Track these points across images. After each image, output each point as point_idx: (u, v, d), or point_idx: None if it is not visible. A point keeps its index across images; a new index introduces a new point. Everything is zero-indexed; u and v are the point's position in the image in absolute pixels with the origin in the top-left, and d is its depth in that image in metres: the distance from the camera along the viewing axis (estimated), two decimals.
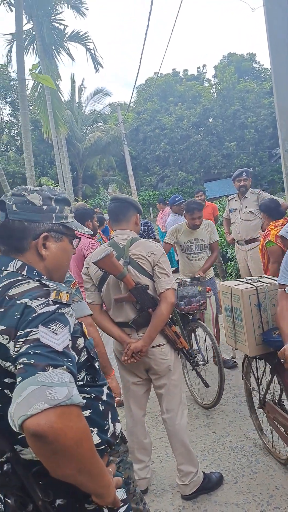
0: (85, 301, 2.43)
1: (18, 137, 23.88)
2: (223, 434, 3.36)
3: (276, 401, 2.82)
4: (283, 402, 2.82)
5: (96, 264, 2.37)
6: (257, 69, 30.68)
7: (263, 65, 30.45)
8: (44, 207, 1.27)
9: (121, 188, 25.60)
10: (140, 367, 2.59)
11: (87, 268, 2.55)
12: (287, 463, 2.82)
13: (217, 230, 8.45)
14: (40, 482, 1.09)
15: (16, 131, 24.01)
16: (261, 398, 2.92)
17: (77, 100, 23.56)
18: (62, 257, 1.33)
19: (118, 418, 1.35)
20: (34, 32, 13.32)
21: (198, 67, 31.53)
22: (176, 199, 6.66)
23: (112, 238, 2.59)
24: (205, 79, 30.73)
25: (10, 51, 13.56)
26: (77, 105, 23.61)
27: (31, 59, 13.78)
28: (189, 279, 3.97)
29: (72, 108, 22.45)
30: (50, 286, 1.14)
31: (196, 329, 3.97)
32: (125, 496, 1.32)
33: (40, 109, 14.06)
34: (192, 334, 3.95)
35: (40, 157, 20.64)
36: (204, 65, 32.62)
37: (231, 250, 7.80)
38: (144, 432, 2.74)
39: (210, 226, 4.45)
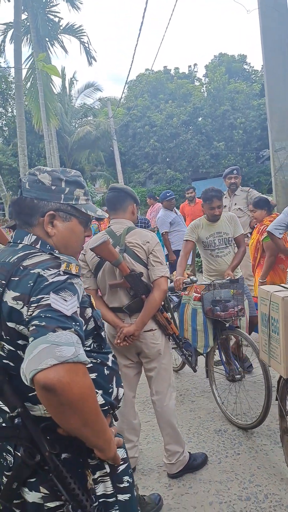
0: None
1: (6, 128, 23.71)
2: (208, 418, 3.51)
3: None
4: None
5: (93, 250, 2.47)
6: (247, 70, 30.91)
7: (253, 67, 30.70)
8: (53, 187, 1.37)
9: (109, 183, 25.57)
10: (132, 350, 2.71)
11: (84, 254, 2.66)
12: None
13: None
14: (48, 437, 1.20)
15: (4, 122, 23.83)
16: None
17: (67, 93, 23.45)
18: (69, 237, 1.41)
19: (122, 384, 1.47)
20: (28, 23, 13.27)
21: (189, 66, 31.67)
22: (168, 194, 6.78)
23: (109, 226, 2.70)
24: (196, 78, 30.86)
25: (3, 41, 13.48)
26: (67, 98, 23.51)
27: (24, 50, 13.79)
28: (220, 281, 3.52)
29: (62, 100, 22.36)
30: (61, 258, 1.24)
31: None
32: (125, 456, 1.43)
33: (31, 100, 14.02)
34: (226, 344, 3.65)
35: (28, 148, 20.50)
36: (195, 64, 32.84)
37: None
38: (133, 413, 2.86)
39: (233, 219, 4.08)
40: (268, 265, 4.40)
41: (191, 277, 3.42)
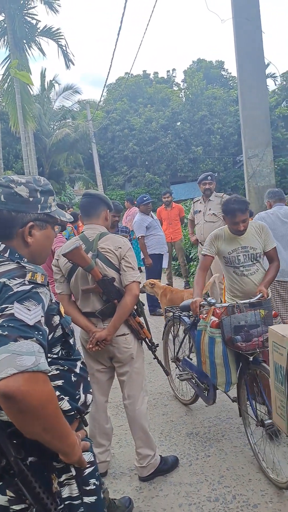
0: (54, 292, 2.55)
1: None
2: (180, 422, 3.56)
3: None
4: None
5: (66, 256, 2.49)
6: (225, 76, 31.40)
7: (231, 73, 31.20)
8: (31, 199, 1.40)
9: (87, 186, 25.52)
10: (104, 355, 2.73)
11: (57, 260, 2.68)
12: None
13: (182, 231, 8.73)
14: (14, 442, 1.23)
15: None
16: None
17: (46, 95, 23.30)
18: (45, 243, 1.46)
19: (91, 390, 1.50)
20: (5, 25, 13.16)
21: (168, 71, 31.94)
22: (144, 198, 6.83)
23: (82, 232, 2.73)
24: (174, 83, 31.16)
25: None
26: (46, 100, 23.35)
27: (1, 52, 13.68)
28: (246, 302, 2.97)
29: (41, 102, 22.20)
30: (27, 267, 1.28)
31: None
32: (93, 459, 1.46)
33: (8, 102, 13.89)
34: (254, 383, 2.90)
35: (5, 150, 20.28)
36: (173, 69, 33.05)
37: (194, 250, 8.06)
38: (106, 417, 2.88)
39: (263, 229, 3.38)
40: None
41: (209, 298, 2.84)
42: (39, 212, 1.42)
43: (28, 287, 1.21)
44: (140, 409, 2.79)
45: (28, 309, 1.16)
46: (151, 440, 2.86)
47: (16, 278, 1.22)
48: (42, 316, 1.20)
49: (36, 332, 1.15)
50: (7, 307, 1.15)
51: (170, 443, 3.28)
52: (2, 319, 1.13)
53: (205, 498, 2.63)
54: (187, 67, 30.33)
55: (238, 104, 6.67)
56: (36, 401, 1.08)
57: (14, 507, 1.24)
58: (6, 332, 1.10)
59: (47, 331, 1.26)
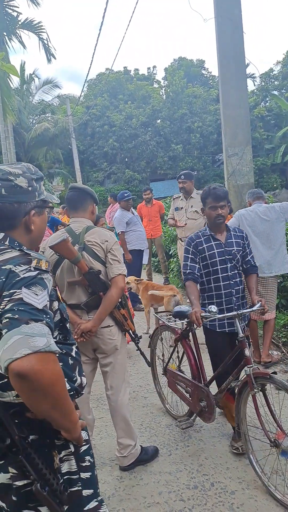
0: None
1: None
2: (160, 413, 3.63)
3: None
4: None
5: (52, 248, 2.52)
6: (205, 75, 31.61)
7: (211, 73, 31.44)
8: (30, 188, 1.45)
9: (66, 182, 25.32)
10: (88, 346, 2.78)
11: (43, 252, 2.70)
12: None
13: (162, 228, 8.80)
14: (16, 421, 1.28)
15: None
16: None
17: (26, 88, 22.97)
18: (43, 227, 1.53)
19: (84, 374, 1.56)
20: None
21: (149, 68, 31.91)
22: (125, 194, 6.87)
23: (68, 225, 2.76)
24: (155, 80, 31.15)
25: None
26: (25, 93, 23.03)
27: None
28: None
29: (20, 96, 21.88)
30: (31, 255, 1.33)
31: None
32: (87, 438, 1.54)
33: None
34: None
35: None
36: (154, 66, 33.14)
37: (174, 247, 8.14)
38: (88, 408, 2.92)
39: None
40: None
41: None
42: (37, 199, 1.47)
43: (34, 273, 1.26)
44: (122, 399, 2.84)
45: (36, 294, 1.22)
46: (133, 431, 2.92)
47: (22, 265, 1.27)
48: (48, 301, 1.25)
49: (44, 315, 1.20)
50: (15, 292, 1.20)
51: (150, 434, 3.35)
52: (12, 303, 1.18)
53: (184, 486, 2.71)
54: (168, 65, 30.39)
55: (217, 103, 6.77)
56: (47, 379, 1.13)
57: (17, 483, 1.30)
58: (17, 316, 1.15)
59: (52, 315, 1.31)
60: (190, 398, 3.11)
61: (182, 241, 6.01)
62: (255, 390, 2.56)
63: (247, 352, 2.67)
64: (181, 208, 5.90)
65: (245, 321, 3.10)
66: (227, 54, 5.94)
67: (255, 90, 26.42)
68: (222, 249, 3.04)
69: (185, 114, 25.71)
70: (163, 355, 3.67)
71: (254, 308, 2.83)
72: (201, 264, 3.06)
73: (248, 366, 2.62)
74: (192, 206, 5.77)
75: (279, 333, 4.99)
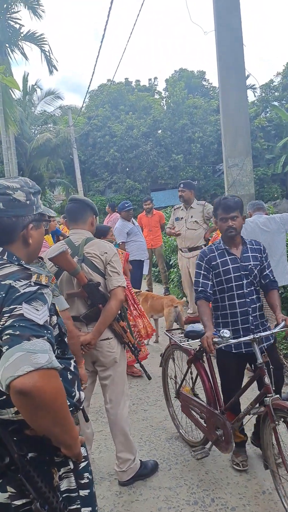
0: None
1: None
2: (160, 427, 3.59)
3: None
4: None
5: (52, 260, 2.51)
6: (206, 86, 31.85)
7: (211, 84, 31.67)
8: (28, 202, 1.44)
9: (68, 191, 25.39)
10: (88, 359, 2.75)
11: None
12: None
13: (163, 238, 8.80)
14: (15, 438, 1.26)
15: None
16: None
17: (28, 99, 23.16)
18: (40, 241, 1.53)
19: (82, 387, 1.55)
20: None
21: (150, 79, 32.15)
22: (126, 205, 6.88)
23: (68, 236, 2.75)
24: (156, 91, 31.38)
25: None
26: (27, 104, 23.20)
27: None
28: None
29: (23, 107, 22.05)
30: (31, 269, 1.32)
31: None
32: (86, 454, 1.51)
33: None
34: None
35: None
36: (155, 78, 33.32)
37: (174, 257, 8.13)
38: (87, 422, 2.89)
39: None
40: None
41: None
42: (34, 213, 1.47)
43: (34, 288, 1.25)
44: (121, 413, 2.81)
45: (37, 309, 1.20)
46: (132, 445, 2.88)
47: (22, 280, 1.26)
48: (48, 316, 1.24)
49: (45, 331, 1.19)
50: (15, 307, 1.18)
51: (149, 447, 3.30)
52: (12, 319, 1.16)
53: (184, 502, 2.66)
54: (169, 76, 30.64)
55: (218, 114, 6.80)
56: (49, 396, 1.12)
57: (16, 502, 1.27)
58: (18, 332, 1.14)
59: (53, 330, 1.30)
60: (206, 425, 2.87)
61: (182, 252, 6.00)
62: (276, 422, 2.34)
63: (266, 379, 2.43)
64: (181, 218, 5.92)
65: (269, 340, 2.82)
66: (227, 66, 5.98)
67: (256, 101, 26.60)
68: (238, 265, 2.78)
69: (185, 125, 25.86)
70: (175, 376, 3.37)
71: (275, 330, 2.56)
72: (214, 280, 2.81)
73: (268, 395, 2.39)
74: (192, 216, 5.78)
75: (280, 345, 4.95)
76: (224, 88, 6.05)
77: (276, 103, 26.11)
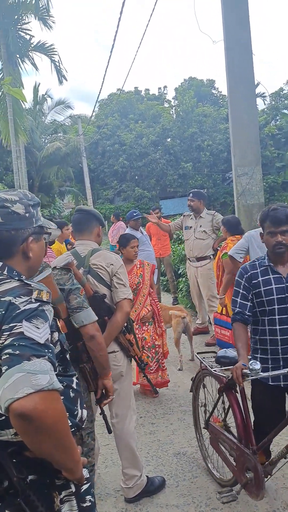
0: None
1: None
2: (167, 441, 3.51)
3: None
4: None
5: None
6: (215, 95, 31.98)
7: (221, 92, 31.78)
8: (27, 215, 1.40)
9: (77, 199, 25.54)
10: None
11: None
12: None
13: (171, 246, 8.75)
14: (14, 460, 1.21)
15: None
16: None
17: (39, 108, 23.42)
18: (41, 254, 1.48)
19: (85, 405, 1.49)
20: None
21: (159, 88, 32.41)
22: (134, 214, 6.85)
23: (74, 247, 2.72)
24: (166, 100, 31.59)
25: None
26: (38, 114, 23.46)
27: None
28: None
29: (33, 116, 22.29)
30: (32, 285, 1.27)
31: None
32: (88, 476, 1.45)
33: (0, 115, 13.92)
34: None
35: None
36: (165, 86, 33.52)
37: (183, 266, 8.08)
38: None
39: None
40: (226, 281, 4.54)
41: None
42: (34, 226, 1.43)
43: (35, 305, 1.20)
44: (127, 428, 2.75)
45: (37, 327, 1.16)
46: (138, 461, 2.81)
47: (22, 296, 1.21)
48: (49, 334, 1.19)
49: (46, 350, 1.14)
50: (15, 325, 1.14)
51: (157, 463, 3.23)
52: (12, 338, 1.12)
53: None
54: (178, 85, 30.83)
55: (227, 122, 6.77)
56: (51, 419, 1.07)
57: None
58: (18, 351, 1.09)
59: (54, 348, 1.25)
60: (235, 464, 2.52)
61: (190, 261, 5.95)
62: None
63: None
64: (190, 227, 5.87)
65: None
66: (236, 76, 5.96)
67: (266, 109, 26.59)
68: (283, 285, 2.42)
69: (195, 133, 25.92)
70: (204, 404, 3.00)
71: None
72: (255, 301, 2.48)
73: None
74: (201, 226, 5.73)
75: None
76: (233, 98, 6.03)
77: (286, 111, 26.06)
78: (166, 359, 4.54)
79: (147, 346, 4.24)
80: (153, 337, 4.28)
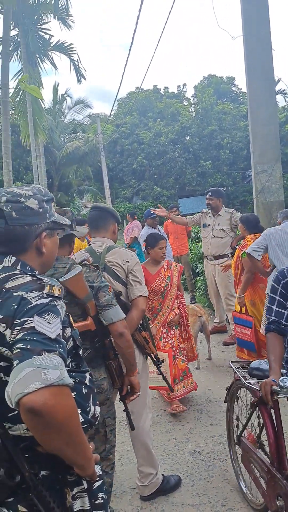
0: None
1: None
2: (183, 440, 3.49)
3: None
4: None
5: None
6: (235, 92, 31.66)
7: (241, 89, 31.43)
8: (40, 210, 1.40)
9: (96, 198, 25.68)
10: None
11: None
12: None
13: (189, 245, 8.70)
14: (26, 455, 1.21)
15: None
16: None
17: (58, 108, 23.65)
18: (55, 250, 1.48)
19: (98, 402, 1.48)
20: (18, 39, 13.41)
21: (179, 86, 32.24)
22: (151, 212, 6.84)
23: (90, 244, 2.73)
24: (185, 97, 31.42)
25: None
26: (57, 113, 23.68)
27: (13, 65, 13.89)
28: None
29: (53, 115, 22.51)
30: (44, 280, 1.27)
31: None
32: (101, 472, 1.45)
33: (20, 115, 14.09)
34: None
35: (16, 162, 20.50)
36: (184, 84, 33.39)
37: (201, 265, 8.02)
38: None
39: None
40: (245, 280, 4.48)
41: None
42: (48, 221, 1.43)
43: (46, 300, 1.20)
44: (143, 426, 2.74)
45: (48, 322, 1.16)
46: (154, 459, 2.80)
47: (34, 291, 1.21)
48: (61, 329, 1.19)
49: (57, 345, 1.14)
50: (27, 320, 1.14)
51: (172, 461, 3.22)
52: (23, 332, 1.12)
53: None
54: (197, 83, 30.65)
55: (247, 119, 6.69)
56: (61, 415, 1.06)
57: None
58: (29, 346, 1.09)
59: (66, 344, 1.25)
60: (265, 488, 2.27)
61: (208, 259, 5.91)
62: None
63: None
64: (208, 225, 5.82)
65: None
66: (256, 72, 5.89)
67: (286, 106, 26.20)
68: None
69: (214, 131, 25.71)
70: (237, 418, 2.76)
71: None
72: None
73: None
74: (219, 224, 5.68)
75: None
76: (253, 95, 5.96)
77: None
78: (191, 361, 4.45)
79: (177, 350, 4.04)
80: (178, 340, 4.10)
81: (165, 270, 4.07)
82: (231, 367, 2.77)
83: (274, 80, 6.23)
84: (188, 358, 4.28)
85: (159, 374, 2.95)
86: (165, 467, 3.13)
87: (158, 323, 4.01)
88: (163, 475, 2.88)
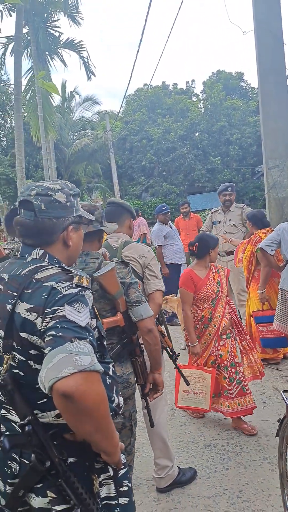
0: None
1: (4, 138, 23.88)
2: (198, 433, 3.52)
3: None
4: None
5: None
6: (244, 87, 31.41)
7: (250, 85, 31.18)
8: (68, 204, 1.45)
9: (105, 195, 25.71)
10: None
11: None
12: None
13: None
14: (55, 443, 1.26)
15: (2, 132, 23.98)
16: None
17: (67, 105, 23.69)
18: (80, 244, 1.53)
19: (120, 393, 1.53)
20: (29, 37, 13.49)
21: (187, 82, 32.04)
22: (163, 208, 6.86)
23: (106, 240, 2.76)
24: (194, 93, 31.23)
25: (4, 54, 13.69)
26: (66, 110, 23.73)
27: (24, 63, 14.01)
28: None
29: (62, 113, 22.56)
30: (72, 271, 1.32)
31: None
32: (125, 461, 1.49)
33: (30, 112, 14.18)
34: None
35: (26, 159, 20.61)
36: (193, 80, 33.15)
37: None
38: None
39: None
40: (265, 275, 4.47)
41: None
42: (74, 215, 1.47)
43: (76, 290, 1.25)
44: (159, 418, 2.78)
45: (78, 311, 1.20)
46: (170, 451, 2.84)
47: (64, 282, 1.26)
48: (89, 318, 1.24)
49: (87, 333, 1.18)
50: (57, 309, 1.19)
51: (188, 454, 3.25)
52: (55, 321, 1.17)
53: None
54: (206, 78, 30.42)
55: (257, 115, 6.66)
56: (92, 400, 1.10)
57: (56, 507, 1.26)
58: (61, 333, 1.13)
59: (94, 332, 1.29)
60: None
61: (220, 255, 5.91)
62: None
63: None
64: (219, 221, 5.83)
65: None
66: (267, 67, 5.87)
67: None
68: None
69: (223, 127, 25.58)
70: None
71: None
72: None
73: None
74: (230, 220, 5.69)
75: None
76: (264, 90, 5.94)
77: None
78: (259, 379, 3.79)
79: (222, 364, 3.49)
80: (232, 353, 3.53)
81: (214, 273, 3.66)
82: (282, 396, 2.32)
83: (286, 74, 6.20)
84: (253, 373, 3.70)
85: (175, 368, 2.97)
86: (180, 460, 3.17)
87: (210, 334, 3.55)
88: (179, 467, 2.91)
